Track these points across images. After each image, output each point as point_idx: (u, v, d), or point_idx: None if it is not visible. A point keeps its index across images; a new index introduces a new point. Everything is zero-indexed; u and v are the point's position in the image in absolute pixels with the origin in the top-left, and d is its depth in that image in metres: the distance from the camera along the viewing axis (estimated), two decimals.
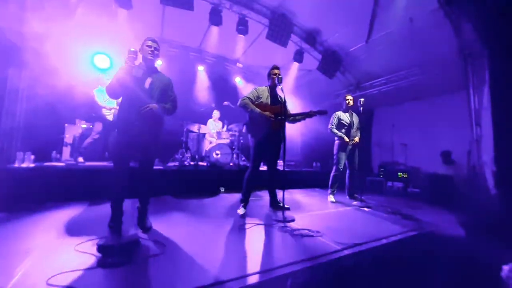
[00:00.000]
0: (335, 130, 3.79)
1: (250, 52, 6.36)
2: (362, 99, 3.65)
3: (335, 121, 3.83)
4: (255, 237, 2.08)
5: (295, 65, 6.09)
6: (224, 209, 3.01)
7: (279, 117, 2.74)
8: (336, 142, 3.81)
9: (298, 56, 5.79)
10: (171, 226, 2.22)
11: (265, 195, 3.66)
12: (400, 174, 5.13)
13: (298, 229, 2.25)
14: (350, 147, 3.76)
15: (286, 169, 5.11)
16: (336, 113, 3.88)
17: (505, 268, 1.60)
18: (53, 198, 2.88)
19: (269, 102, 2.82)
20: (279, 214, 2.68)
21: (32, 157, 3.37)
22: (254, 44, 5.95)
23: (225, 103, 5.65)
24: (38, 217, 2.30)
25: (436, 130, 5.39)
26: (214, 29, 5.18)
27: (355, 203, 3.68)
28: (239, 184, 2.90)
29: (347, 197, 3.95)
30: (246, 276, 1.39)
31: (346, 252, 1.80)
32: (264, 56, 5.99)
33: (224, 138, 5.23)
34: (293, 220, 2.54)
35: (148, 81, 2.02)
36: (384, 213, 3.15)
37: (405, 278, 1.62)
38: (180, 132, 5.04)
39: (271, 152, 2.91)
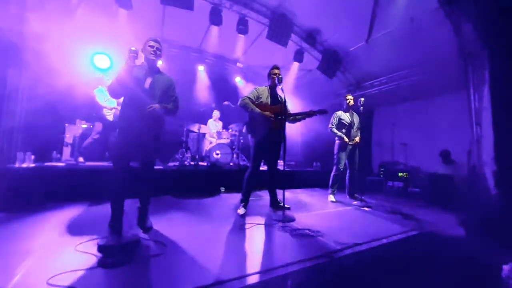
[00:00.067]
0: (335, 130, 3.80)
1: (250, 52, 6.36)
2: (362, 99, 3.66)
3: (335, 120, 3.83)
4: (255, 237, 2.08)
5: (295, 65, 6.08)
6: (224, 209, 3.01)
7: (279, 117, 2.74)
8: (337, 142, 3.82)
9: (298, 56, 5.78)
10: (171, 226, 2.22)
11: (265, 195, 3.67)
12: (400, 174, 5.13)
13: (298, 229, 2.25)
14: (350, 147, 3.76)
15: (286, 169, 5.11)
16: (337, 112, 3.88)
17: (505, 268, 1.60)
18: (54, 198, 2.89)
19: (269, 102, 2.83)
20: (279, 214, 2.68)
21: (33, 157, 3.38)
22: (254, 44, 5.95)
23: (225, 103, 5.65)
24: (39, 217, 2.31)
25: (436, 129, 5.38)
26: (214, 29, 5.18)
27: (355, 203, 3.68)
28: (239, 184, 2.90)
29: (347, 197, 3.95)
30: (246, 276, 1.39)
31: (346, 252, 1.80)
32: (264, 56, 5.98)
33: (224, 138, 5.23)
34: (293, 220, 2.54)
35: (148, 81, 2.02)
36: (384, 213, 3.15)
37: (405, 278, 1.62)
38: (181, 132, 5.04)
39: (271, 152, 2.91)
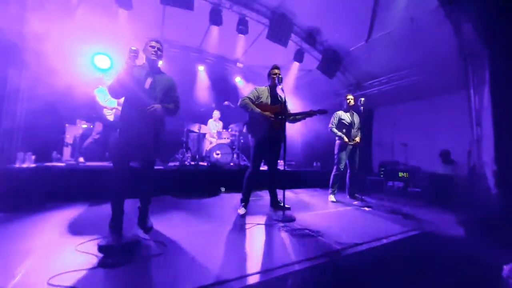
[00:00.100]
0: (335, 130, 3.79)
1: (250, 52, 6.36)
2: (362, 99, 3.66)
3: (336, 120, 3.83)
4: (255, 237, 2.08)
5: (296, 65, 6.08)
6: (225, 209, 3.01)
7: (279, 117, 2.74)
8: (337, 142, 3.81)
9: (299, 56, 5.78)
10: (171, 226, 2.22)
11: (265, 195, 3.67)
12: (400, 174, 5.13)
13: (299, 229, 2.25)
14: (351, 147, 3.76)
15: (286, 169, 5.11)
16: (337, 112, 3.88)
17: (506, 268, 1.60)
18: (54, 198, 2.89)
19: (269, 102, 2.83)
20: (280, 214, 2.68)
21: (33, 157, 3.38)
22: (254, 44, 5.95)
23: (225, 103, 5.65)
24: (39, 217, 2.31)
25: (437, 129, 5.39)
26: (214, 29, 5.18)
27: (355, 202, 3.68)
28: (239, 184, 2.90)
29: (348, 196, 3.95)
30: (246, 276, 1.39)
31: (346, 252, 1.80)
32: (264, 56, 5.97)
33: (225, 138, 5.23)
34: (293, 220, 2.54)
35: (149, 81, 2.02)
36: (384, 212, 3.15)
37: (405, 278, 1.62)
38: (181, 132, 5.04)
39: (272, 152, 2.91)
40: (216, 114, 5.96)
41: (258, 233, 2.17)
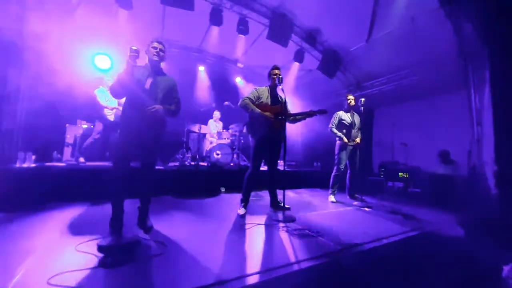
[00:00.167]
0: (335, 130, 3.79)
1: (251, 52, 6.36)
2: (362, 99, 3.65)
3: (336, 121, 3.83)
4: (255, 237, 2.08)
5: (296, 65, 6.09)
6: (225, 209, 3.01)
7: (280, 117, 2.74)
8: (338, 142, 3.81)
9: (299, 56, 5.78)
10: (172, 226, 2.22)
11: (265, 195, 3.67)
12: (400, 174, 5.13)
13: (299, 229, 2.25)
14: (351, 147, 3.76)
15: (286, 169, 5.11)
16: (338, 112, 3.87)
17: (505, 268, 1.60)
18: (54, 198, 2.89)
19: (270, 102, 2.82)
20: (280, 214, 2.68)
21: (33, 157, 3.38)
22: (255, 44, 5.95)
23: (226, 103, 5.65)
24: (39, 217, 2.31)
25: (437, 129, 5.39)
26: (215, 29, 5.18)
27: (355, 203, 3.68)
28: (239, 184, 2.90)
29: (348, 197, 3.95)
30: (246, 276, 1.39)
31: (346, 252, 1.80)
32: (265, 56, 5.98)
33: (225, 138, 5.23)
34: (293, 220, 2.54)
35: (149, 82, 2.02)
36: (384, 213, 3.15)
37: (405, 278, 1.62)
38: (181, 132, 5.04)
39: (272, 152, 2.91)
40: (217, 114, 5.96)
41: (258, 233, 2.16)
